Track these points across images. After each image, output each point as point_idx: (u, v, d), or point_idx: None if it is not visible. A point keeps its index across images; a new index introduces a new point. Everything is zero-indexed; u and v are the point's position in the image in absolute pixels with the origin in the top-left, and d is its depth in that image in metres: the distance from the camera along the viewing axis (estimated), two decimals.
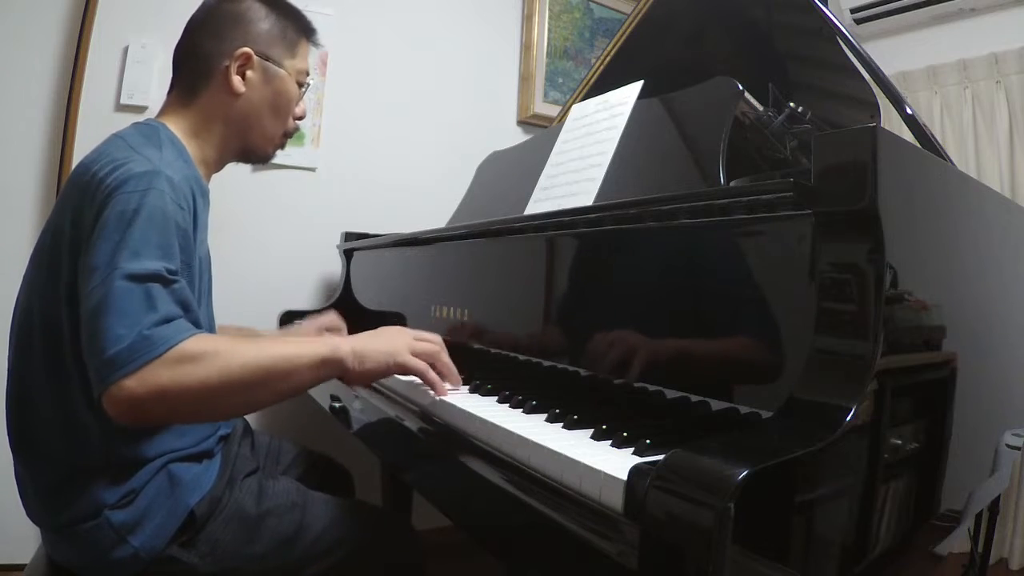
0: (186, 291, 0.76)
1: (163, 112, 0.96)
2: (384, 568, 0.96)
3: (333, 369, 0.80)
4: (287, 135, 1.05)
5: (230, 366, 0.72)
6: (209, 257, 0.98)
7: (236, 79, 0.94)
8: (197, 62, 0.95)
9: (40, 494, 0.83)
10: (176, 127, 0.93)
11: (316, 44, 1.07)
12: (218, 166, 1.02)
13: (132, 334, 0.68)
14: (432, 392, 0.87)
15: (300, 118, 1.06)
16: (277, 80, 0.98)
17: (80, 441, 0.80)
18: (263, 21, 0.97)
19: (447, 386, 0.88)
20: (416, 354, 0.86)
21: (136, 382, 0.67)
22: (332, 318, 1.29)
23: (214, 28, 0.95)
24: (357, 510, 1.01)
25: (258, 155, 1.04)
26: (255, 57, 0.95)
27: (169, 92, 0.98)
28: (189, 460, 0.86)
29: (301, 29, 1.03)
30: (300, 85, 1.03)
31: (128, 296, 0.69)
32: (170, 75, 0.98)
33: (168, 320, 0.71)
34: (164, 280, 0.73)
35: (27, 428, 0.84)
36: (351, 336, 0.85)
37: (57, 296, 0.79)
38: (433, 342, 0.90)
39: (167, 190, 0.78)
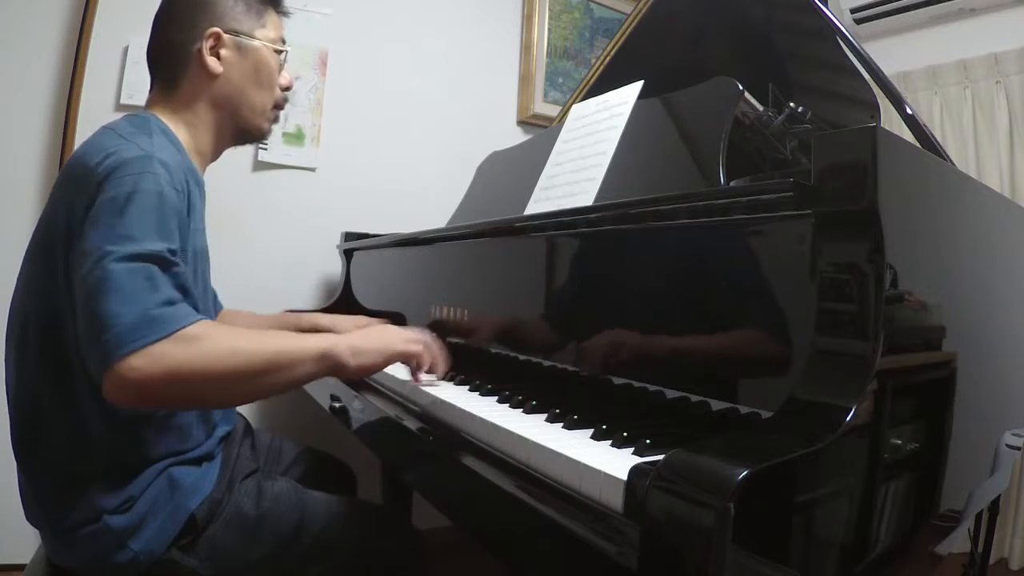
0: (185, 275, 0.76)
1: (149, 106, 0.96)
2: (385, 567, 0.96)
3: (331, 363, 0.81)
4: (278, 106, 1.04)
5: (235, 354, 0.72)
6: (207, 251, 0.97)
7: (211, 60, 0.94)
8: (171, 53, 0.95)
9: (41, 500, 0.82)
10: (165, 117, 0.93)
11: (285, 12, 1.06)
12: (215, 154, 1.01)
13: (137, 313, 0.67)
14: (420, 381, 0.95)
15: (287, 88, 1.05)
16: (252, 52, 0.98)
17: (84, 443, 0.79)
18: None
19: (433, 376, 0.97)
20: (408, 342, 0.91)
21: (144, 360, 0.66)
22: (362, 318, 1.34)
23: (179, 16, 0.95)
24: (356, 509, 1.00)
25: (253, 132, 1.02)
26: (224, 35, 0.95)
27: (151, 88, 0.98)
28: (190, 464, 0.86)
29: None
30: (278, 53, 1.02)
31: (129, 277, 0.69)
32: None
33: (171, 303, 0.70)
34: (164, 262, 0.72)
35: (30, 433, 0.83)
36: (346, 335, 0.87)
37: (56, 291, 0.78)
38: (422, 336, 0.94)
39: (161, 173, 0.77)
